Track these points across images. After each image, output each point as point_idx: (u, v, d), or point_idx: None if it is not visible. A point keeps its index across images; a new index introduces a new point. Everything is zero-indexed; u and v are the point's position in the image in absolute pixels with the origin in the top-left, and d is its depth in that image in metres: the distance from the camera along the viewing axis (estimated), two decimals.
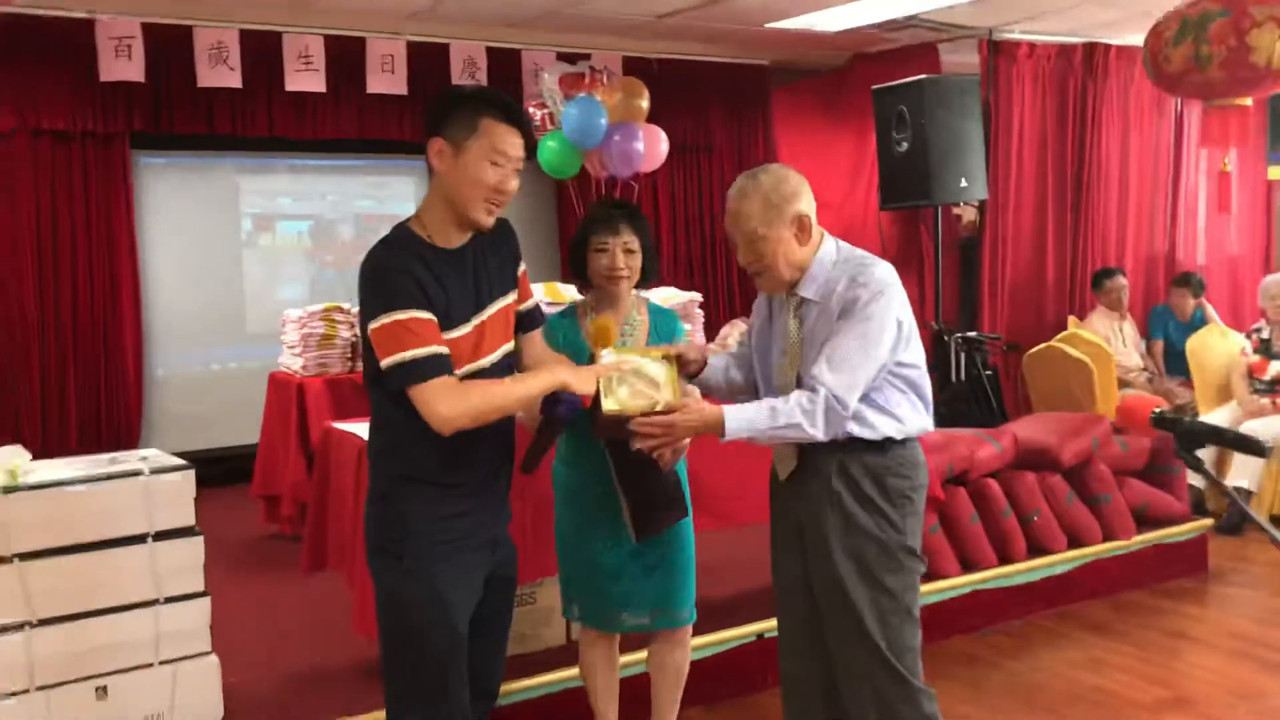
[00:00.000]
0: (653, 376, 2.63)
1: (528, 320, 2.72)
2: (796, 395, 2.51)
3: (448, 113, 2.42)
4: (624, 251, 3.03)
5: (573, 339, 3.06)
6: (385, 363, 2.33)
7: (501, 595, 2.68)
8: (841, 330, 2.54)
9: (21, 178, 6.34)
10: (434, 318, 2.37)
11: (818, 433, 2.50)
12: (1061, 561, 4.86)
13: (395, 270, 2.36)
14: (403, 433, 2.45)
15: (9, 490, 3.25)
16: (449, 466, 2.47)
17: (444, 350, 2.36)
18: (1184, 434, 2.37)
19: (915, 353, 2.67)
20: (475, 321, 2.48)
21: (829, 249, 2.67)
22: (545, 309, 2.89)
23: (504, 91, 2.55)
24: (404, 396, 2.36)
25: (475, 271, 2.50)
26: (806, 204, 2.64)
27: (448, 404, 2.32)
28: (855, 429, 2.59)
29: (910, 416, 2.66)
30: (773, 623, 3.10)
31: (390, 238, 2.47)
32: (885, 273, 2.60)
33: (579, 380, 2.50)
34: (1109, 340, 7.11)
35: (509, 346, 2.59)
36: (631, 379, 2.60)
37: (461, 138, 2.40)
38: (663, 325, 3.16)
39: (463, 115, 2.41)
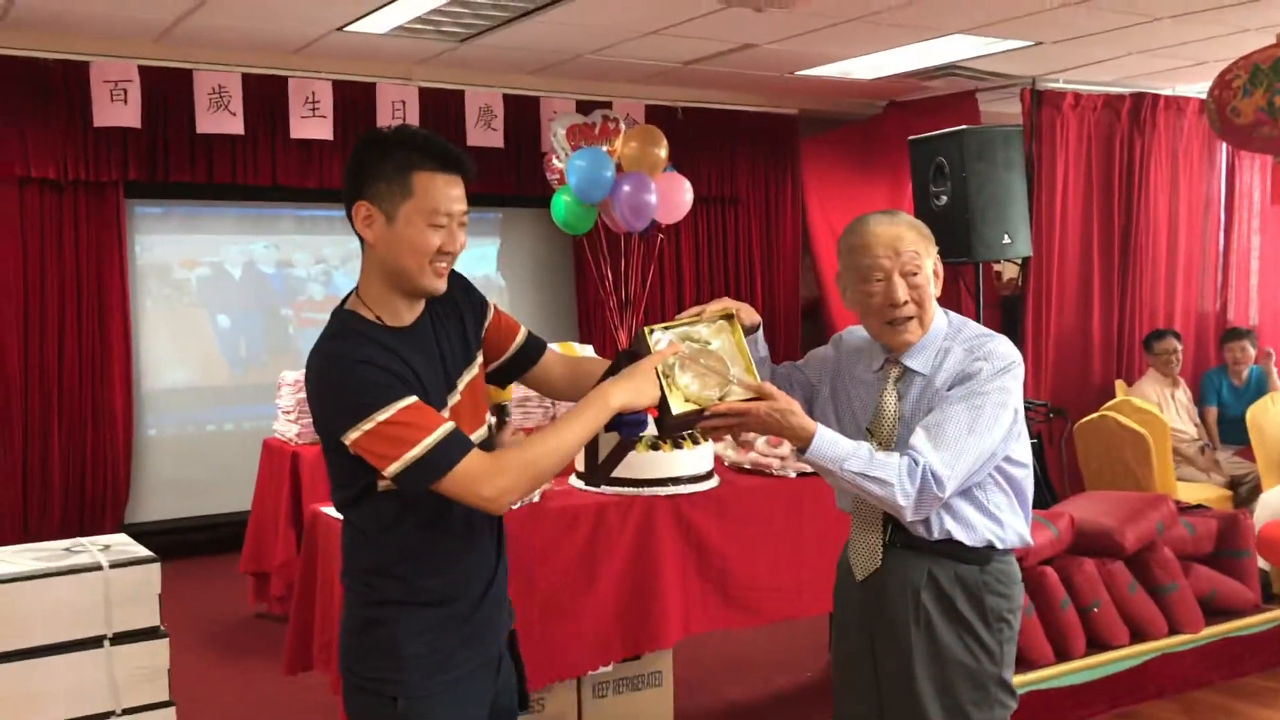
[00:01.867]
0: (716, 349, 2.18)
1: (531, 351, 2.34)
2: (899, 457, 2.17)
3: (369, 170, 2.03)
4: None
5: None
6: (391, 469, 1.94)
7: (509, 709, 2.30)
8: (951, 402, 2.20)
9: (8, 228, 6.08)
10: (419, 400, 1.98)
11: (907, 503, 2.15)
12: (1124, 658, 4.51)
13: (357, 363, 1.97)
14: (389, 549, 2.08)
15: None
16: (445, 582, 2.10)
17: (453, 425, 1.98)
18: None
19: (1024, 449, 2.32)
20: (450, 403, 2.12)
21: (941, 317, 2.34)
22: None
23: (439, 134, 2.14)
24: (411, 501, 2.01)
25: (439, 347, 2.13)
26: None
27: (490, 483, 1.95)
28: (953, 528, 2.25)
29: (1011, 523, 2.32)
30: None
31: (335, 329, 2.07)
32: (1009, 349, 2.26)
33: (636, 394, 2.06)
34: (1160, 406, 6.81)
35: (483, 431, 2.21)
36: (692, 364, 2.15)
37: (392, 201, 2.02)
38: None
39: (390, 171, 2.01)
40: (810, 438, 2.13)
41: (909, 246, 2.25)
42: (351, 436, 1.95)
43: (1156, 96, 7.79)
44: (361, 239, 2.07)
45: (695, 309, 2.24)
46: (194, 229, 6.95)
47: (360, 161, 2.04)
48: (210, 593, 5.72)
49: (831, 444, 2.14)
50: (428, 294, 2.09)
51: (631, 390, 2.05)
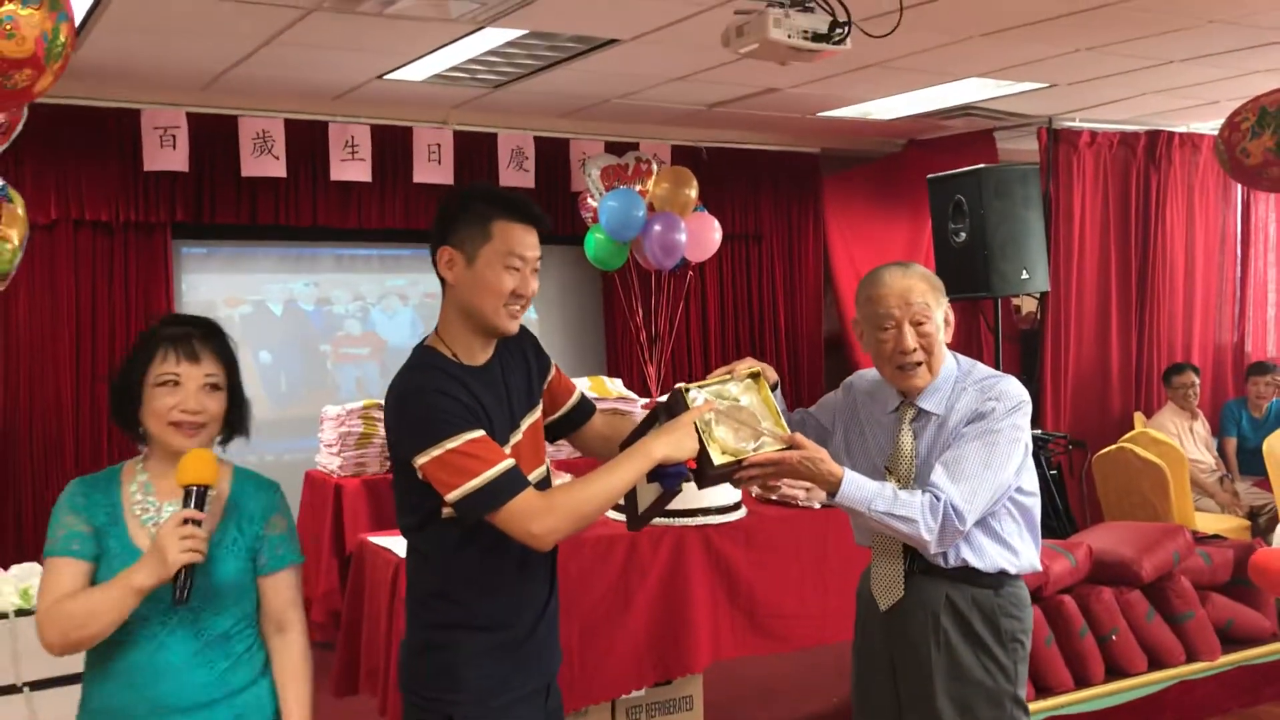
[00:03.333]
0: (749, 409, 2.34)
1: (579, 414, 2.52)
2: (921, 494, 2.32)
3: (455, 218, 2.24)
4: (204, 389, 2.17)
5: (109, 502, 2.16)
6: (453, 496, 2.11)
7: None
8: (966, 439, 2.35)
9: (63, 268, 6.28)
10: (485, 434, 2.15)
11: (931, 538, 2.30)
12: (1142, 685, 4.58)
13: (434, 393, 2.15)
14: (451, 574, 2.24)
15: (21, 613, 3.09)
16: (502, 608, 2.25)
17: (512, 463, 2.14)
18: None
19: (1033, 480, 2.48)
20: (513, 441, 2.28)
21: (951, 361, 2.50)
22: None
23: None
24: (473, 530, 2.17)
25: (507, 387, 2.30)
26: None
27: (539, 521, 2.11)
28: (969, 555, 2.40)
29: (1023, 550, 2.47)
30: None
31: (415, 362, 2.26)
32: (1019, 389, 2.43)
33: (676, 447, 2.21)
34: (1179, 439, 6.86)
35: (542, 470, 2.37)
36: (726, 419, 2.30)
37: (473, 245, 2.21)
38: (251, 503, 2.25)
39: (472, 220, 2.22)
40: (839, 482, 2.28)
41: (919, 298, 2.41)
42: (421, 460, 2.12)
43: (1171, 134, 7.88)
44: (444, 281, 2.25)
45: (725, 369, 2.41)
46: (238, 268, 7.14)
47: (446, 211, 2.26)
48: None
49: (859, 487, 2.29)
50: (501, 334, 2.26)
51: (672, 443, 2.20)
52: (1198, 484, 6.81)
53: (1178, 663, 4.67)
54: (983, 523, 2.40)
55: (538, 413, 2.39)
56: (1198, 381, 7.25)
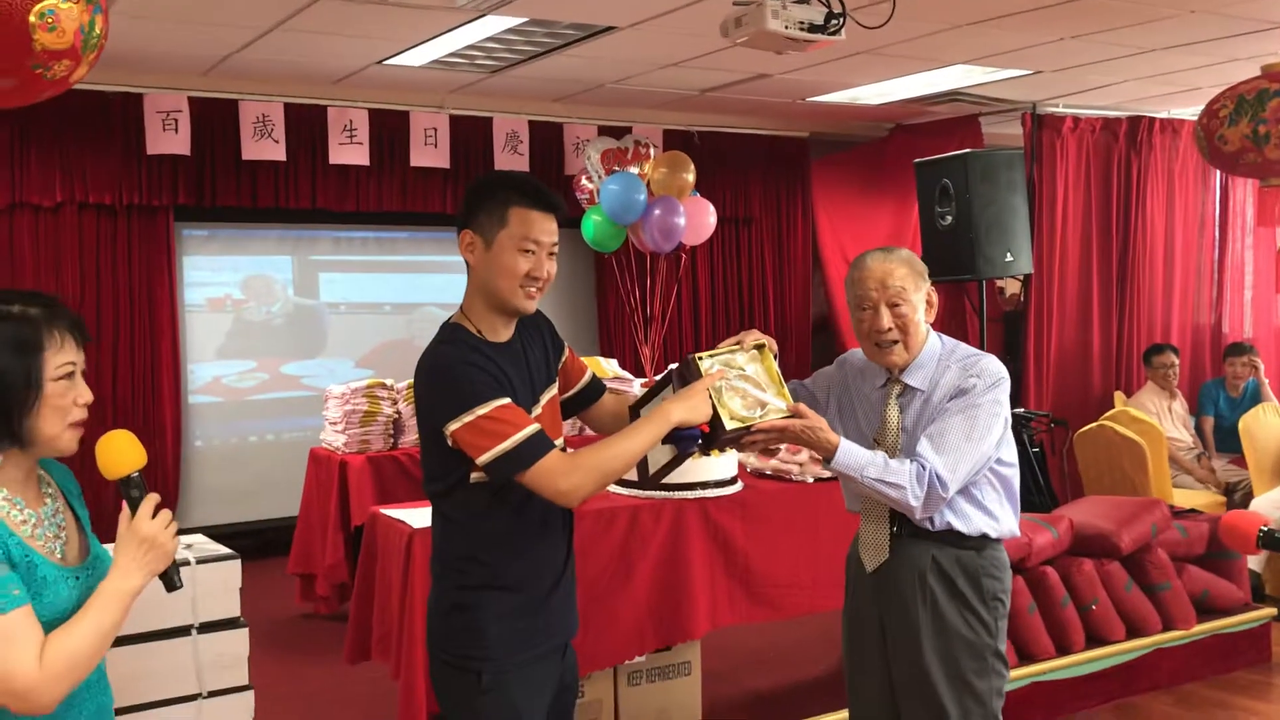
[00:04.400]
0: (752, 375, 2.50)
1: (591, 392, 2.67)
2: (909, 463, 2.49)
3: (475, 204, 2.38)
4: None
5: None
6: (484, 459, 2.24)
7: (564, 703, 2.58)
8: (950, 413, 2.52)
9: (68, 250, 6.38)
10: (512, 401, 2.30)
11: (917, 504, 2.47)
12: (1121, 652, 4.73)
13: (462, 364, 2.30)
14: (478, 538, 2.37)
15: None
16: (525, 569, 2.39)
17: (539, 427, 2.29)
18: None
19: (1012, 452, 2.65)
20: (533, 414, 2.41)
21: (935, 339, 2.66)
22: None
23: (534, 175, 2.49)
24: (501, 492, 2.31)
25: (528, 363, 2.45)
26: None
27: (566, 478, 2.25)
28: (953, 519, 2.57)
29: (1003, 516, 2.63)
30: (838, 715, 3.00)
31: (444, 338, 2.40)
32: (997, 366, 2.59)
33: (693, 411, 2.36)
34: (1158, 418, 7.00)
35: (559, 443, 2.49)
36: (735, 387, 2.46)
37: (490, 229, 2.35)
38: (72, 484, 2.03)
39: (490, 206, 2.35)
40: (835, 450, 2.46)
41: (895, 282, 2.57)
42: (453, 427, 2.26)
43: (1153, 119, 8.00)
44: (466, 263, 2.40)
45: (733, 339, 2.56)
46: (239, 250, 7.25)
47: (469, 197, 2.40)
48: (257, 594, 5.86)
49: (853, 455, 2.46)
50: (519, 313, 2.41)
51: (689, 408, 2.36)
52: (1176, 461, 6.94)
53: (1155, 631, 4.82)
54: (965, 491, 2.55)
55: (554, 389, 2.54)
56: (1177, 362, 7.37)
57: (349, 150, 6.86)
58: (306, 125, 6.80)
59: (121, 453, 1.91)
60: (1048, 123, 7.68)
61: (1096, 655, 4.66)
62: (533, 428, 2.27)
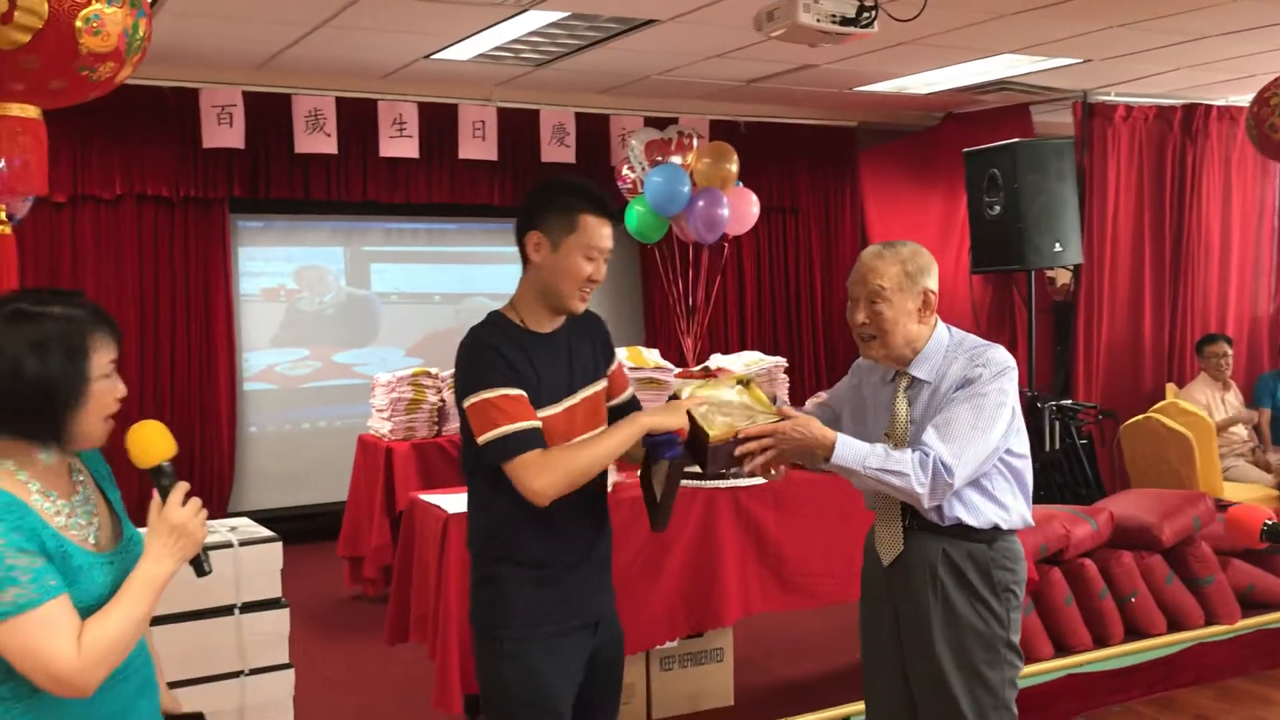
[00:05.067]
0: (740, 403, 2.58)
1: (630, 407, 2.73)
2: (912, 452, 2.51)
3: (544, 208, 2.49)
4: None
5: (35, 524, 1.82)
6: (481, 439, 2.39)
7: (606, 678, 2.65)
8: (956, 403, 2.54)
9: (126, 241, 6.58)
10: (524, 394, 2.40)
11: (923, 491, 2.48)
12: (1161, 646, 4.70)
13: (485, 348, 2.44)
14: (500, 514, 2.49)
15: None
16: (545, 546, 2.49)
17: (535, 425, 2.39)
18: None
19: (1022, 442, 2.66)
20: (567, 403, 2.51)
21: (943, 332, 2.69)
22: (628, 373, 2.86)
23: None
24: (500, 475, 2.40)
25: (570, 356, 2.55)
26: (934, 283, 2.67)
27: (537, 477, 2.36)
28: (961, 513, 2.58)
29: (1014, 505, 2.65)
30: (860, 706, 3.03)
31: (485, 321, 2.54)
32: (1004, 356, 2.61)
33: (665, 413, 2.50)
34: (1210, 410, 6.91)
35: (599, 432, 2.58)
36: (721, 408, 2.55)
37: (558, 233, 2.46)
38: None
39: (559, 211, 2.47)
40: (833, 444, 2.49)
41: (875, 280, 2.61)
42: (465, 404, 2.42)
43: (1209, 107, 7.86)
44: (527, 261, 2.51)
45: (714, 380, 2.70)
46: (291, 241, 7.42)
47: (536, 201, 2.51)
48: (308, 576, 6.03)
49: (852, 448, 2.49)
50: (570, 313, 2.54)
51: (662, 411, 2.50)
52: (1230, 453, 6.84)
53: (1197, 625, 4.78)
54: (975, 482, 2.57)
55: (599, 386, 2.62)
56: (1230, 352, 7.25)
57: (399, 143, 6.96)
58: (357, 119, 6.92)
59: (152, 443, 1.96)
60: (1099, 111, 7.59)
61: (1136, 648, 4.64)
62: (528, 423, 2.38)
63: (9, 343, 1.79)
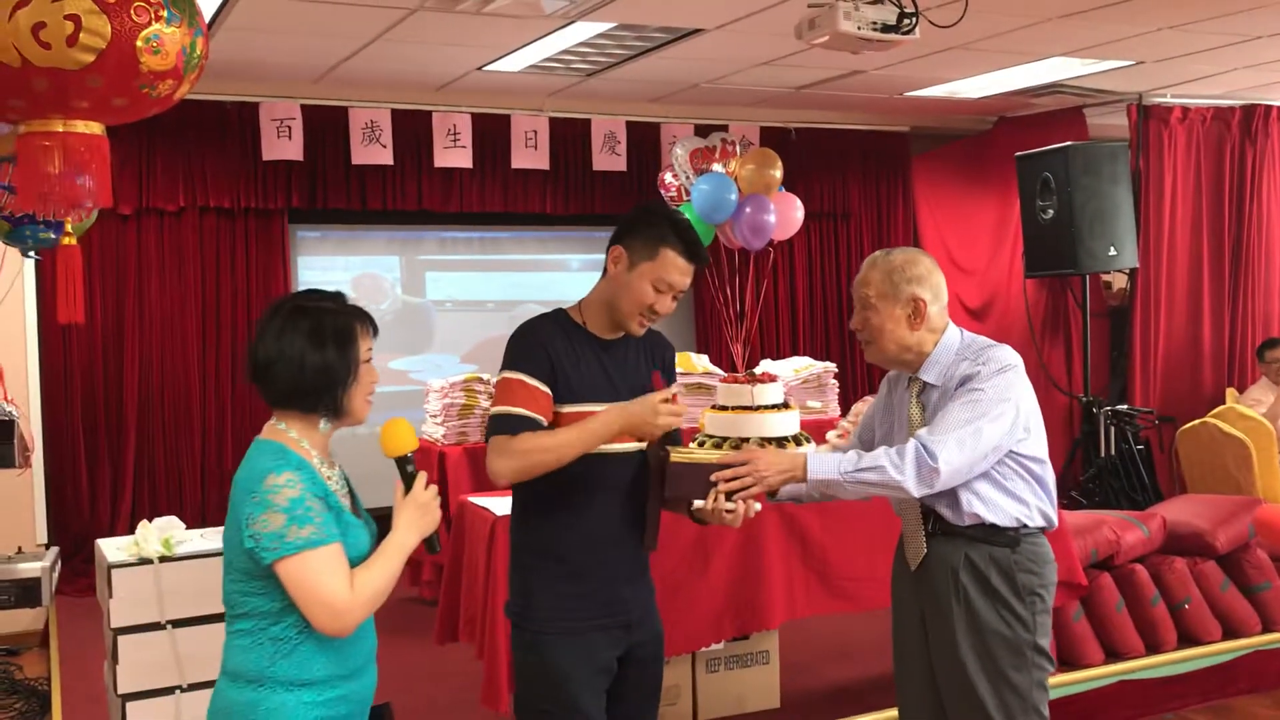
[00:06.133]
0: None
1: (670, 438, 2.71)
2: (884, 449, 2.54)
3: (637, 228, 2.56)
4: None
5: (321, 482, 2.17)
6: (490, 413, 2.53)
7: (642, 676, 2.68)
8: (955, 399, 2.58)
9: (189, 252, 6.74)
10: (543, 387, 2.49)
11: (905, 479, 2.49)
12: (1216, 653, 4.67)
13: (529, 335, 2.56)
14: (528, 504, 2.58)
15: (164, 560, 3.47)
16: (568, 541, 2.55)
17: (525, 413, 2.47)
18: None
19: (1037, 446, 2.65)
20: (595, 407, 2.54)
21: (953, 337, 2.70)
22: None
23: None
24: None
25: (621, 363, 2.61)
26: (929, 291, 2.66)
27: (497, 459, 2.48)
28: (980, 509, 2.59)
29: (1034, 501, 2.64)
30: (895, 713, 3.05)
31: (547, 313, 2.65)
32: (1007, 354, 2.62)
33: (638, 424, 2.48)
34: (1272, 415, 6.79)
35: (635, 445, 2.60)
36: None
37: (639, 255, 2.53)
38: None
39: (648, 236, 2.54)
40: (804, 464, 2.51)
41: (862, 288, 2.68)
42: (496, 378, 2.57)
43: (1269, 107, 7.76)
44: (606, 270, 2.59)
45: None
46: (349, 250, 7.57)
47: (633, 218, 2.60)
48: None
49: (823, 460, 2.53)
50: (628, 333, 2.61)
51: (633, 422, 2.48)
52: None
53: (1253, 633, 4.74)
54: (992, 480, 2.58)
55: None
56: None
57: (453, 153, 7.07)
58: (412, 130, 7.04)
59: (400, 437, 2.26)
60: (1155, 113, 7.51)
61: (1189, 655, 4.60)
62: (522, 410, 2.47)
63: (295, 334, 2.13)
